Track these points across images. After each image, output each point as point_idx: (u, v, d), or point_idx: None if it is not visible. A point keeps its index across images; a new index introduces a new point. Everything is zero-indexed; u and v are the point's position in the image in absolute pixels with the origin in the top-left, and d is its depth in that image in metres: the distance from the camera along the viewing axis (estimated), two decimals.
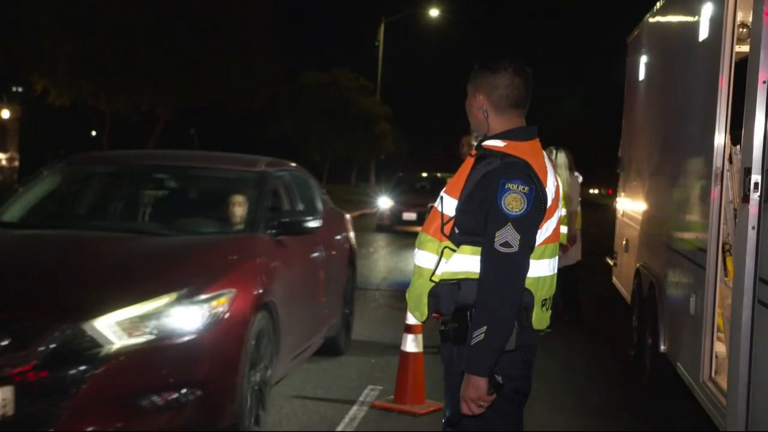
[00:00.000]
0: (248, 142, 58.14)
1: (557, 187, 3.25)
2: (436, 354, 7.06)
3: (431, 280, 3.20)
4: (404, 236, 20.59)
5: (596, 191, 68.23)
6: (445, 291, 3.17)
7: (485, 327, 2.98)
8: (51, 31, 21.21)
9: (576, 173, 9.85)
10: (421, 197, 21.79)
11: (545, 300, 3.21)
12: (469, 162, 3.25)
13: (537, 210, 3.08)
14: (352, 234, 8.35)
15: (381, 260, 16.16)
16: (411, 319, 6.17)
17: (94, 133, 40.84)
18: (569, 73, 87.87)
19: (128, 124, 27.04)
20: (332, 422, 5.83)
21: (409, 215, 22.05)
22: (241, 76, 25.37)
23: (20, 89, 32.70)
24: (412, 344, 6.20)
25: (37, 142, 47.55)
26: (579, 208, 9.96)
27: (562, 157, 9.33)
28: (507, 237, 3.01)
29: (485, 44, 74.92)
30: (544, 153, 3.30)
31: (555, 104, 66.73)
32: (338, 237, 7.83)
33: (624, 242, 9.46)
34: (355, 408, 6.16)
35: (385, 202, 23.12)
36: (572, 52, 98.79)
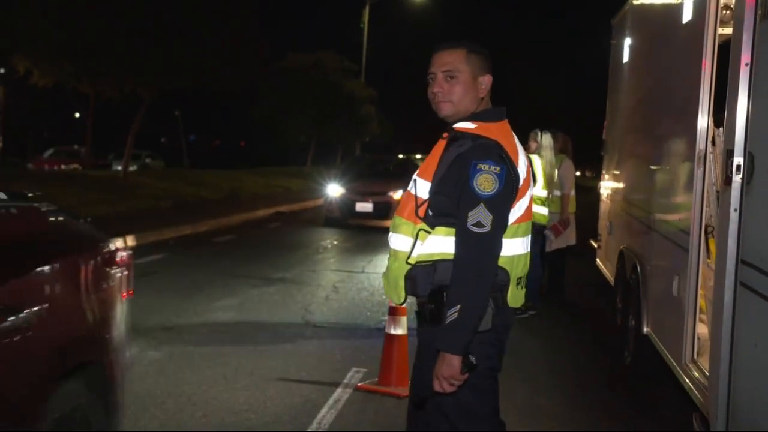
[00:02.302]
0: (233, 124, 58.17)
1: (528, 166, 3.31)
2: None
3: (407, 262, 3.24)
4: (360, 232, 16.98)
5: (578, 173, 68.22)
6: (421, 273, 3.21)
7: (459, 306, 3.02)
8: (32, 12, 20.99)
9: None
10: (381, 184, 18.34)
11: (520, 278, 3.27)
12: (441, 144, 3.29)
13: (509, 190, 3.13)
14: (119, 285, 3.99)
15: (365, 243, 16.14)
16: None
17: (77, 114, 40.61)
18: (557, 56, 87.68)
19: (112, 106, 26.82)
20: (316, 404, 5.83)
21: (364, 206, 17.80)
22: (224, 58, 25.13)
23: (2, 70, 32.39)
24: (396, 327, 6.21)
25: (19, 123, 47.33)
26: (573, 192, 10.00)
27: (547, 139, 9.34)
28: (479, 217, 3.05)
29: (472, 25, 74.80)
30: (525, 135, 3.35)
31: (543, 87, 66.60)
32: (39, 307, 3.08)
33: (608, 224, 9.49)
34: (339, 390, 6.17)
35: (334, 190, 18.45)
36: (561, 33, 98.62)
